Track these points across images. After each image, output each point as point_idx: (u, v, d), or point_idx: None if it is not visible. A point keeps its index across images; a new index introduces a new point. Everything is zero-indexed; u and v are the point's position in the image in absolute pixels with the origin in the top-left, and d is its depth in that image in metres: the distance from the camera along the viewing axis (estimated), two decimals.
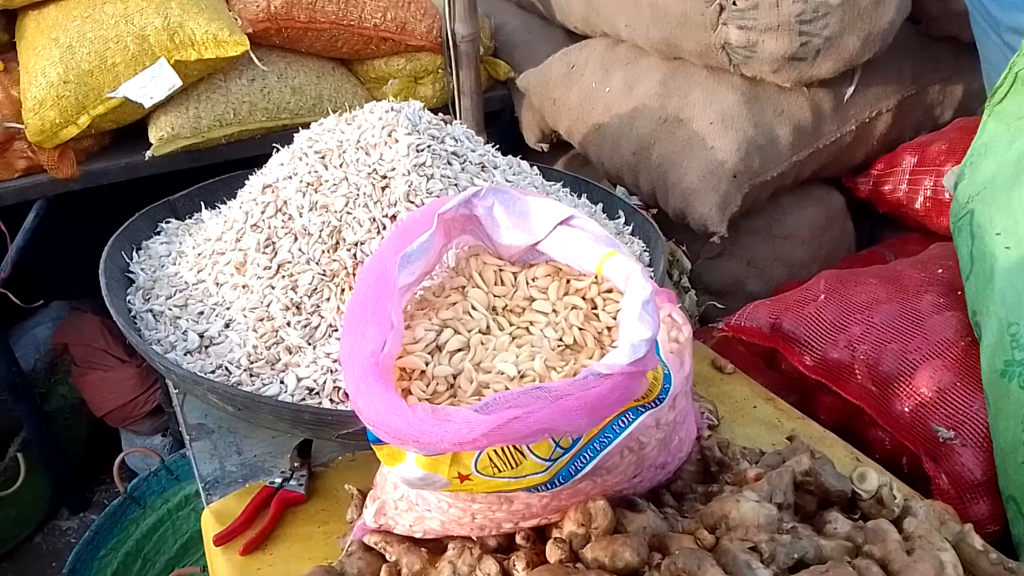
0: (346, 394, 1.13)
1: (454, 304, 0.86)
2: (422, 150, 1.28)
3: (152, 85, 1.68)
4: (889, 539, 0.77)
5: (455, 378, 0.79)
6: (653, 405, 0.73)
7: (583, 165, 2.13)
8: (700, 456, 0.99)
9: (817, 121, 1.66)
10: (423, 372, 0.79)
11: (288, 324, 1.19)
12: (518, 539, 0.87)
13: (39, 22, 1.80)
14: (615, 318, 0.82)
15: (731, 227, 1.65)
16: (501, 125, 2.33)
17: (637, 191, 1.83)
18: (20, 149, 1.81)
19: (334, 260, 1.22)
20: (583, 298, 0.84)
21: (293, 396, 1.11)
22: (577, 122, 1.92)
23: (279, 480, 1.11)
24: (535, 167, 1.54)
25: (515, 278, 0.88)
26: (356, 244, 1.22)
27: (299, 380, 1.13)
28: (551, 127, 2.10)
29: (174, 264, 1.39)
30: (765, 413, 1.23)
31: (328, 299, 1.21)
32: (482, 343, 0.81)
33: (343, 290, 1.22)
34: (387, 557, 0.93)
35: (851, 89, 1.66)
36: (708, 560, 0.72)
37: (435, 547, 0.93)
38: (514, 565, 0.83)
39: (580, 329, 0.81)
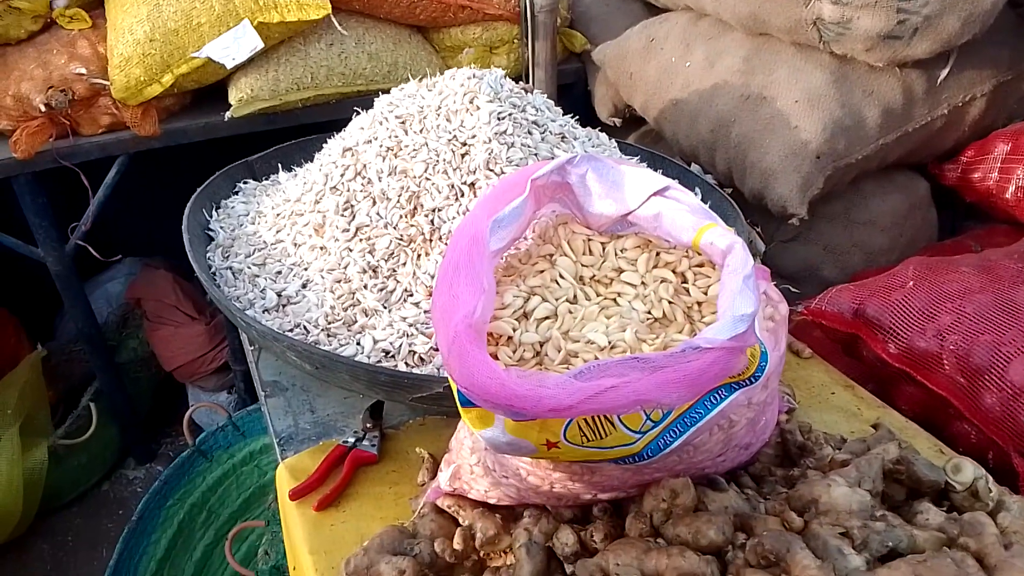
0: (421, 358, 1.14)
1: (541, 272, 0.85)
2: (503, 118, 1.27)
3: (235, 46, 1.70)
4: (986, 532, 0.74)
5: (542, 346, 0.78)
6: (748, 383, 0.72)
7: (655, 141, 2.09)
8: (780, 439, 0.97)
9: (908, 103, 1.59)
10: (510, 338, 0.78)
11: (365, 287, 1.20)
12: (595, 511, 0.86)
13: None
14: (706, 293, 0.80)
15: (809, 211, 1.60)
16: (573, 98, 2.30)
17: (712, 170, 1.79)
18: (105, 105, 1.85)
19: (411, 225, 1.22)
20: (673, 271, 0.83)
21: (369, 358, 1.12)
22: (653, 97, 1.88)
23: (352, 440, 1.12)
24: (613, 140, 1.52)
25: (603, 248, 0.86)
26: (434, 210, 1.22)
27: (375, 342, 1.14)
28: (625, 102, 2.07)
29: (253, 223, 1.41)
30: (843, 400, 1.20)
31: (404, 264, 1.21)
32: (570, 312, 0.80)
33: (419, 256, 1.22)
34: (460, 521, 0.93)
35: (946, 71, 1.59)
36: (797, 543, 0.71)
37: (508, 514, 0.93)
38: (591, 536, 0.82)
39: (670, 303, 0.80)
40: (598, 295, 0.83)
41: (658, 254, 0.84)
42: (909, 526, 0.76)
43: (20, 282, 2.56)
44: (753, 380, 0.72)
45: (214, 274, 1.31)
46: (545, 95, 1.43)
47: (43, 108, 1.76)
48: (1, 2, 1.79)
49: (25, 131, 1.76)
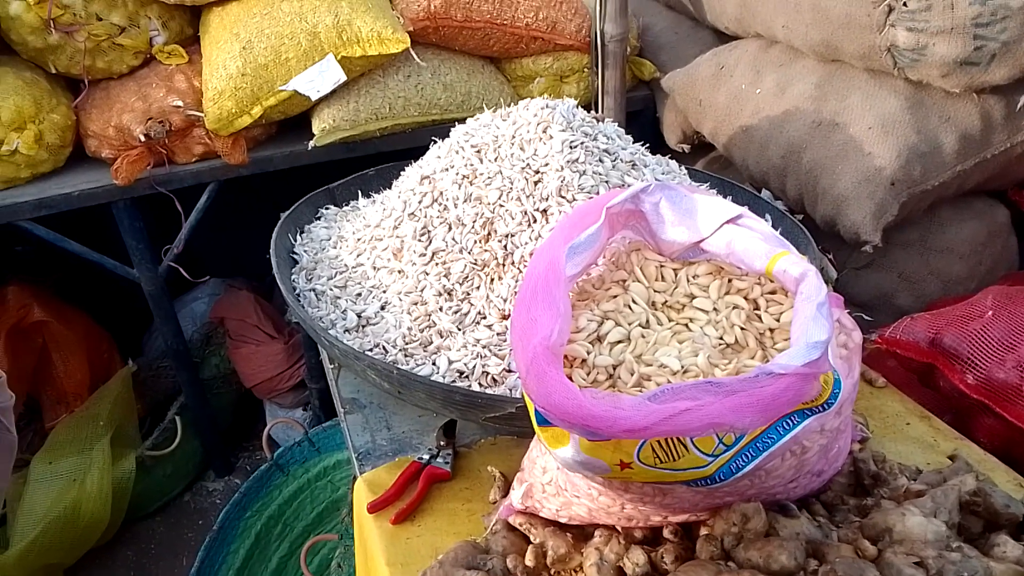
0: (493, 379, 1.17)
1: (615, 297, 0.87)
2: (575, 147, 1.31)
3: (320, 79, 1.79)
4: None
5: (615, 368, 0.80)
6: (821, 409, 0.73)
7: (724, 168, 2.10)
8: (853, 468, 0.97)
9: (986, 129, 1.57)
10: (584, 361, 0.81)
11: (440, 309, 1.25)
12: (665, 533, 0.88)
13: (222, 18, 1.94)
14: (778, 320, 0.82)
15: (883, 238, 1.58)
16: (642, 125, 2.32)
17: (783, 196, 1.79)
18: (199, 135, 1.96)
19: (485, 250, 1.27)
20: (745, 298, 0.84)
21: (444, 377, 1.17)
22: (723, 124, 1.90)
23: (427, 456, 1.16)
24: (683, 167, 1.54)
25: (676, 274, 0.89)
26: (507, 236, 1.26)
27: (450, 363, 1.18)
28: (694, 128, 2.08)
29: (334, 247, 1.48)
30: (919, 431, 1.18)
31: (478, 287, 1.25)
32: (643, 336, 0.83)
33: (492, 280, 1.26)
34: (531, 539, 0.95)
35: None
36: (871, 571, 0.71)
37: (579, 533, 0.95)
38: (662, 558, 0.84)
39: (742, 329, 0.81)
40: (670, 320, 0.85)
41: (730, 281, 0.86)
42: (986, 558, 0.76)
43: (113, 301, 2.70)
44: (826, 407, 0.73)
45: (298, 295, 1.38)
46: (615, 123, 1.46)
47: (142, 138, 1.88)
48: (105, 39, 1.92)
49: (125, 160, 1.88)
